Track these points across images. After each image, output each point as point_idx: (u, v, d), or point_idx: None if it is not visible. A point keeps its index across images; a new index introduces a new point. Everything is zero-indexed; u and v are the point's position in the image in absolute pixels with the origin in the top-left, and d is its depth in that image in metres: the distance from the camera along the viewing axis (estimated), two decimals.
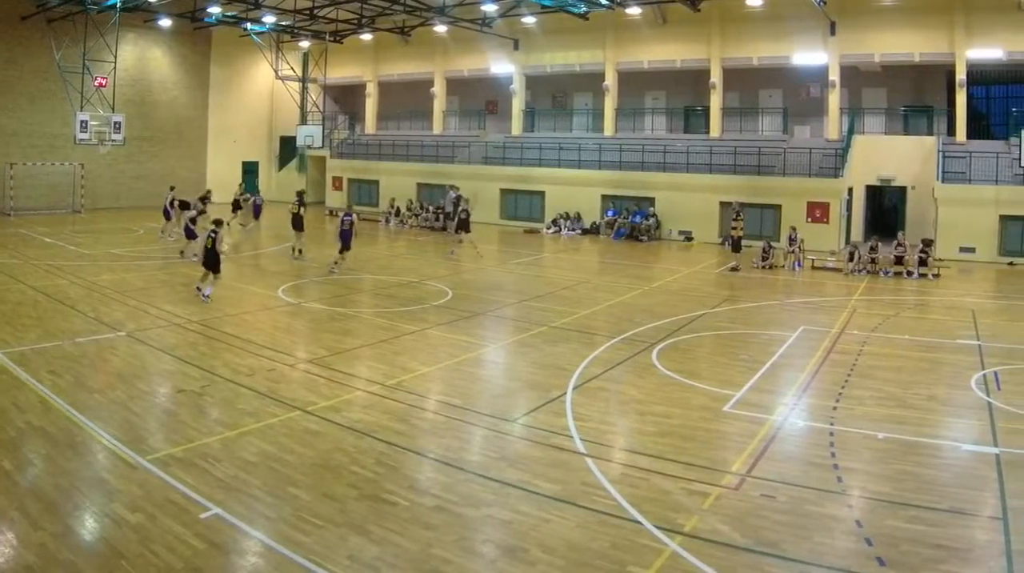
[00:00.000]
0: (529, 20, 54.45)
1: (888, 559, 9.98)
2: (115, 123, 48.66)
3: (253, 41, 63.43)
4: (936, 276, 34.67)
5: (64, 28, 50.84)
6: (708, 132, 52.48)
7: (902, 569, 9.78)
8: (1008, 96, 48.27)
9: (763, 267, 36.59)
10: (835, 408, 16.26)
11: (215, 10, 53.37)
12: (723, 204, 46.02)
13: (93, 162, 54.99)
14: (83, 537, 10.39)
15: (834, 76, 47.50)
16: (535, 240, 47.38)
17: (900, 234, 36.48)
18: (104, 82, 49.54)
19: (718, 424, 15.35)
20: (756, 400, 16.79)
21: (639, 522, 10.99)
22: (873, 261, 35.52)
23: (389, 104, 69.77)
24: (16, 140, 52.97)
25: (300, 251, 35.09)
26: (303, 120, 67.84)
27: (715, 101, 51.91)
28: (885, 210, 49.09)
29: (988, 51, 42.84)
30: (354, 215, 32.68)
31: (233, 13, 55.48)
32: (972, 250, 40.17)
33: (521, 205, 55.03)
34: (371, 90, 69.44)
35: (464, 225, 37.51)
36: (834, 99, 48.09)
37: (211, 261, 25.64)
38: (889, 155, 45.45)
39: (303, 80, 69.38)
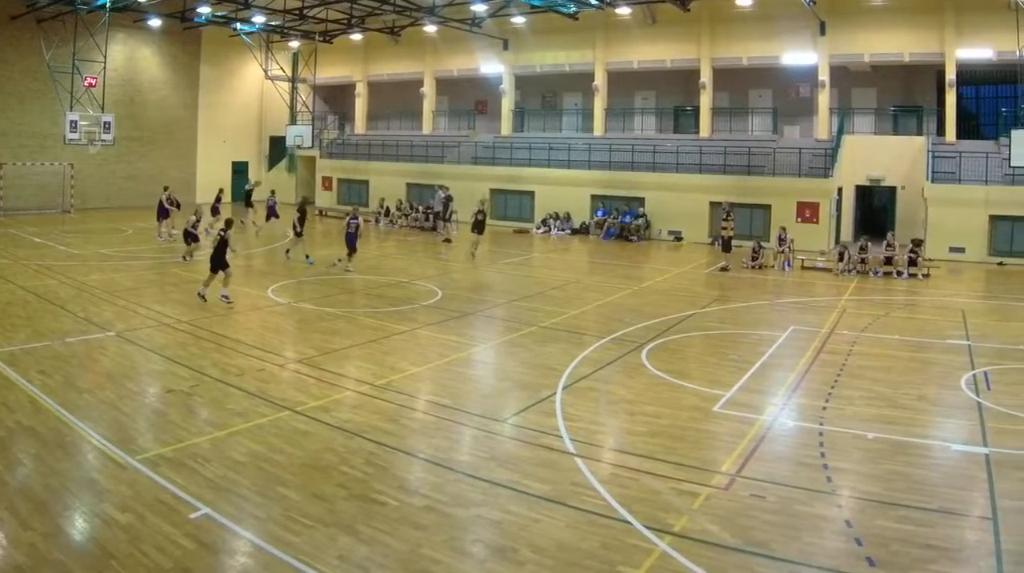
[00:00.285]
0: (519, 20, 54.49)
1: (878, 559, 9.98)
2: (105, 123, 48.47)
3: (243, 41, 63.31)
4: (926, 276, 34.71)
5: (54, 28, 50.76)
6: (698, 132, 52.42)
7: (892, 569, 9.79)
8: (998, 96, 48.31)
9: (753, 267, 36.61)
10: (825, 408, 16.27)
11: (205, 10, 53.26)
12: (713, 204, 46.02)
13: (83, 162, 54.82)
14: (73, 537, 10.39)
15: (824, 76, 47.54)
16: (525, 240, 47.36)
17: (890, 234, 36.55)
18: (94, 82, 49.37)
19: (708, 424, 15.35)
20: (746, 400, 16.80)
21: (629, 522, 10.99)
22: (863, 261, 35.53)
23: (379, 104, 69.76)
24: (6, 140, 52.86)
25: (289, 252, 34.83)
26: (293, 120, 67.64)
27: (705, 101, 51.92)
28: (875, 210, 49.18)
29: (978, 51, 42.90)
30: (360, 218, 32.64)
31: (223, 13, 55.41)
32: (962, 250, 40.21)
33: (511, 205, 54.99)
34: (361, 90, 69.41)
35: (479, 227, 37.15)
36: (824, 99, 48.13)
37: (218, 262, 25.36)
38: (879, 155, 45.48)
39: (293, 80, 69.23)
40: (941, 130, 45.14)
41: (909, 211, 43.66)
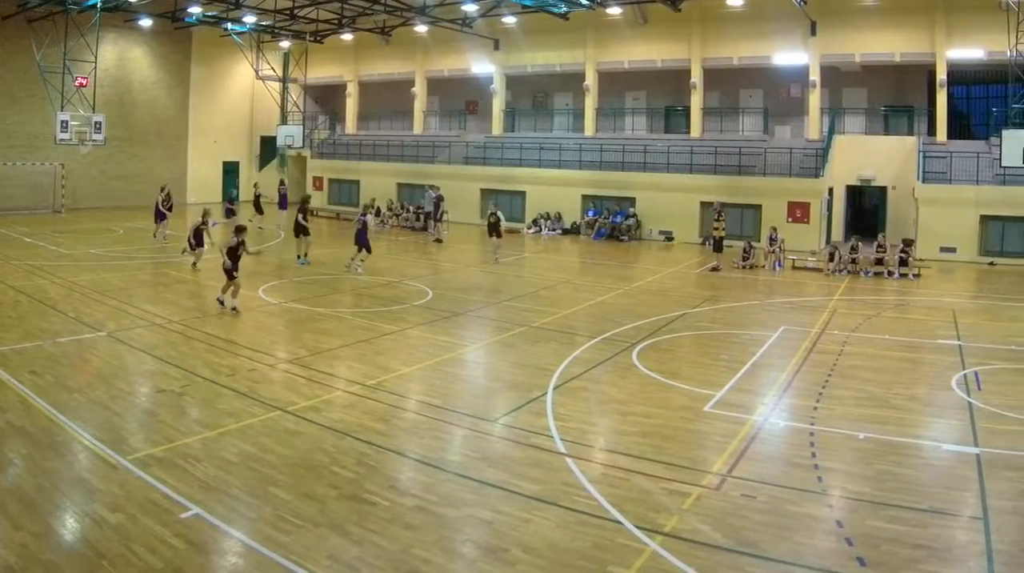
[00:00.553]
0: (509, 20, 54.44)
1: (869, 559, 9.97)
2: (96, 123, 48.51)
3: (233, 41, 63.22)
4: (917, 276, 34.75)
5: (45, 28, 50.64)
6: (688, 132, 52.39)
7: (883, 569, 9.79)
8: (988, 96, 48.35)
9: (743, 267, 36.63)
10: (816, 408, 16.28)
11: (195, 10, 53.24)
12: (703, 204, 45.98)
13: (74, 162, 54.86)
14: (64, 537, 10.36)
15: (814, 76, 47.58)
16: (516, 240, 47.22)
17: (881, 236, 36.56)
18: (85, 82, 49.29)
19: (699, 424, 15.34)
20: (737, 400, 16.79)
21: (620, 522, 10.97)
22: (854, 261, 35.57)
23: (369, 104, 69.66)
24: None
25: (305, 254, 34.52)
26: (283, 120, 67.63)
27: (695, 101, 51.93)
28: (866, 210, 49.22)
29: (969, 51, 42.97)
30: (368, 215, 32.58)
31: (213, 13, 55.30)
32: (953, 250, 40.29)
33: (501, 205, 54.73)
34: (351, 90, 69.26)
35: (495, 230, 36.91)
36: (814, 99, 48.18)
37: (230, 268, 24.46)
38: (869, 155, 45.57)
39: (283, 80, 69.15)
40: (932, 130, 45.20)
41: (900, 211, 43.75)
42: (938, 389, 18.06)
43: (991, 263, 39.25)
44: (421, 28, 58.51)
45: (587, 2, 48.40)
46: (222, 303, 24.64)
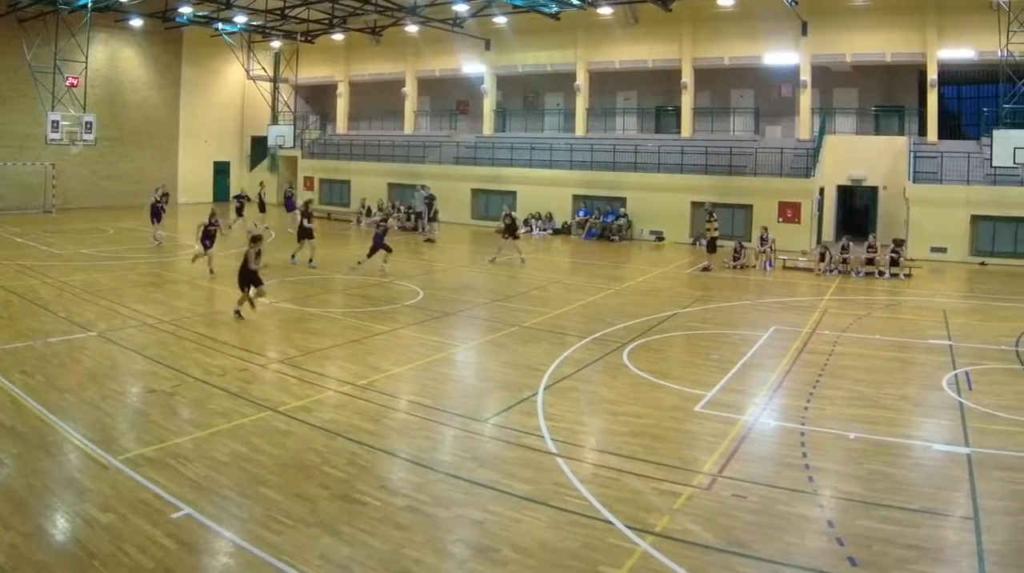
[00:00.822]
0: (500, 20, 54.37)
1: (860, 559, 9.97)
2: (86, 123, 48.52)
3: (224, 41, 63.13)
4: (908, 276, 34.78)
5: (35, 28, 50.47)
6: (679, 132, 52.44)
7: (874, 569, 9.78)
8: (979, 96, 48.50)
9: (734, 267, 36.65)
10: (806, 408, 16.28)
11: (186, 10, 53.16)
12: (694, 204, 46.11)
13: (64, 162, 54.80)
14: (54, 537, 10.36)
15: (805, 76, 47.63)
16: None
17: (871, 236, 36.67)
18: (75, 82, 49.26)
19: (689, 424, 15.33)
20: (727, 400, 16.79)
21: (610, 522, 10.96)
22: (844, 261, 35.62)
23: (360, 104, 69.59)
24: None
25: (311, 259, 34.18)
26: (274, 120, 67.57)
27: (686, 101, 51.93)
28: (856, 210, 49.29)
29: (959, 51, 43.06)
30: (388, 220, 32.61)
31: (204, 13, 55.22)
32: (943, 250, 40.36)
33: (492, 205, 54.89)
34: (342, 90, 69.21)
35: (510, 230, 36.71)
36: (805, 99, 48.22)
37: (246, 278, 23.69)
38: (860, 155, 45.66)
39: (274, 80, 69.06)
40: (923, 130, 45.24)
41: (891, 211, 43.84)
42: (929, 389, 18.07)
43: (982, 263, 39.32)
44: (412, 28, 58.43)
45: (578, 2, 48.37)
46: (240, 314, 23.72)
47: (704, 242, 37.79)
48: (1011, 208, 39.18)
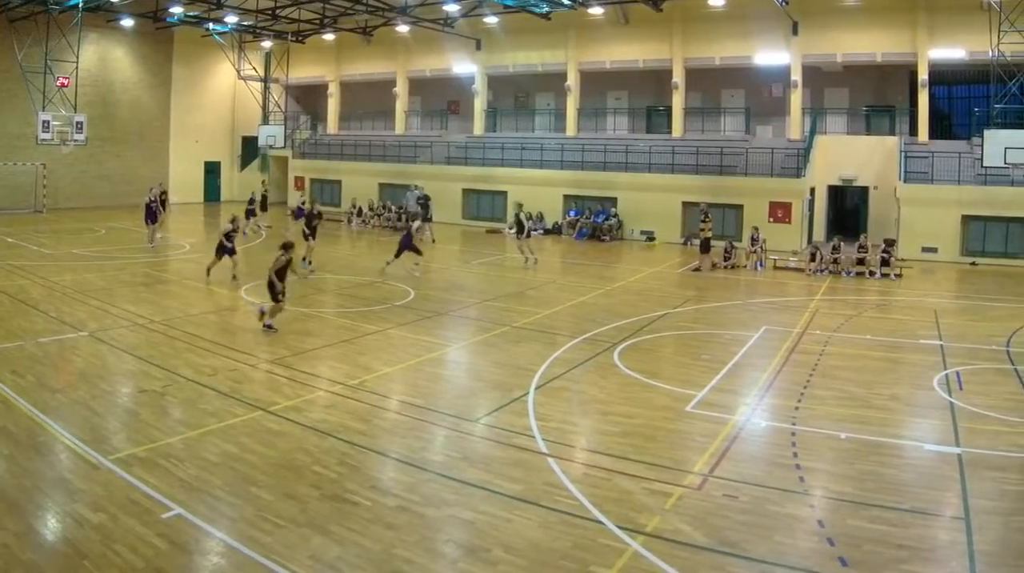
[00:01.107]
0: (491, 20, 54.38)
1: (850, 559, 9.97)
2: (77, 123, 48.52)
3: (215, 41, 63.00)
4: (898, 276, 34.81)
5: (26, 28, 50.31)
6: (670, 132, 52.44)
7: (864, 569, 9.79)
8: (970, 96, 48.64)
9: (725, 267, 36.63)
10: (797, 408, 16.29)
11: (177, 10, 53.03)
12: (685, 204, 46.16)
13: (55, 162, 54.61)
14: (45, 537, 10.39)
15: (796, 76, 47.64)
16: (497, 240, 47.22)
17: (862, 236, 36.71)
18: (66, 82, 49.21)
19: (680, 424, 15.33)
20: (718, 400, 16.80)
21: (601, 522, 10.97)
22: (835, 261, 35.63)
23: (351, 104, 69.58)
24: None
25: (309, 261, 33.85)
26: (265, 120, 67.37)
27: (677, 101, 51.95)
28: (847, 210, 49.31)
29: (950, 51, 43.11)
30: (417, 221, 32.57)
31: (195, 13, 55.10)
32: (934, 250, 40.39)
33: (483, 205, 54.92)
34: (333, 90, 69.16)
35: (522, 230, 36.48)
36: (796, 99, 48.23)
37: (277, 288, 22.31)
38: (851, 155, 45.68)
39: (265, 80, 68.90)
40: (913, 130, 45.33)
41: (881, 211, 43.85)
42: (920, 389, 18.08)
43: (973, 263, 39.36)
44: (403, 28, 58.44)
45: (569, 2, 48.33)
46: (271, 327, 22.19)
47: (696, 242, 37.74)
48: (1002, 208, 39.24)
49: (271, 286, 22.27)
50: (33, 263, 32.21)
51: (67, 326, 21.90)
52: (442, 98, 65.28)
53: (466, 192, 55.02)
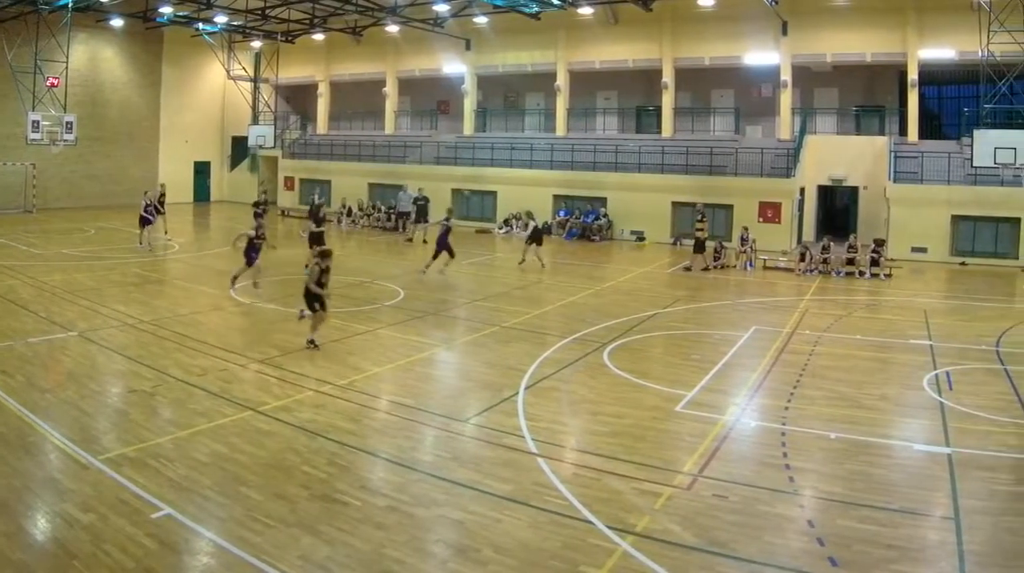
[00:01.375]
0: (481, 20, 54.41)
1: (840, 559, 9.97)
2: (67, 123, 48.40)
3: (205, 41, 63.01)
4: (888, 276, 34.87)
5: (16, 28, 50.23)
6: (660, 132, 52.45)
7: (854, 569, 9.79)
8: (960, 96, 48.78)
9: (715, 267, 36.65)
10: (787, 408, 16.30)
11: (167, 10, 52.98)
12: (675, 204, 46.23)
13: (45, 162, 54.46)
14: (35, 537, 10.36)
15: (786, 76, 47.72)
16: (487, 240, 47.26)
17: (852, 236, 36.83)
18: (56, 82, 49.04)
19: (670, 424, 15.32)
20: (708, 400, 16.81)
21: (591, 522, 10.96)
22: (825, 261, 35.68)
23: (341, 104, 69.55)
24: None
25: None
26: (255, 120, 67.34)
27: (667, 101, 52.00)
28: (837, 210, 49.40)
29: (940, 51, 43.24)
30: (450, 220, 32.58)
31: (185, 13, 55.05)
32: (924, 250, 40.47)
33: (473, 205, 54.89)
34: (323, 90, 69.10)
35: (537, 237, 36.39)
36: (786, 99, 48.33)
37: (313, 298, 20.75)
38: (841, 155, 45.75)
39: (255, 80, 68.87)
40: (903, 130, 45.44)
41: (871, 211, 43.91)
42: (910, 389, 18.11)
43: (962, 263, 39.46)
44: (392, 28, 58.41)
45: (558, 2, 48.28)
46: (314, 343, 20.65)
47: (689, 242, 37.74)
48: (991, 208, 39.36)
49: (308, 295, 20.72)
50: (22, 263, 32.11)
51: (57, 326, 21.83)
52: (432, 98, 65.27)
53: (456, 192, 54.76)
